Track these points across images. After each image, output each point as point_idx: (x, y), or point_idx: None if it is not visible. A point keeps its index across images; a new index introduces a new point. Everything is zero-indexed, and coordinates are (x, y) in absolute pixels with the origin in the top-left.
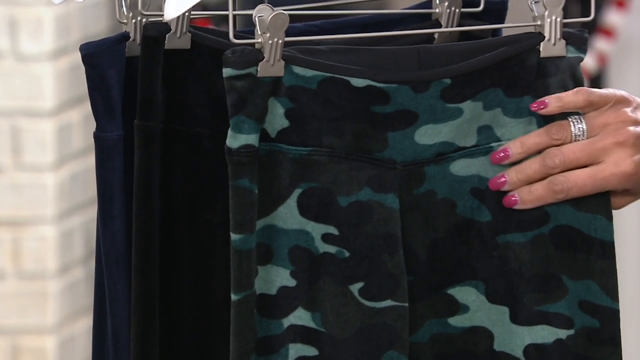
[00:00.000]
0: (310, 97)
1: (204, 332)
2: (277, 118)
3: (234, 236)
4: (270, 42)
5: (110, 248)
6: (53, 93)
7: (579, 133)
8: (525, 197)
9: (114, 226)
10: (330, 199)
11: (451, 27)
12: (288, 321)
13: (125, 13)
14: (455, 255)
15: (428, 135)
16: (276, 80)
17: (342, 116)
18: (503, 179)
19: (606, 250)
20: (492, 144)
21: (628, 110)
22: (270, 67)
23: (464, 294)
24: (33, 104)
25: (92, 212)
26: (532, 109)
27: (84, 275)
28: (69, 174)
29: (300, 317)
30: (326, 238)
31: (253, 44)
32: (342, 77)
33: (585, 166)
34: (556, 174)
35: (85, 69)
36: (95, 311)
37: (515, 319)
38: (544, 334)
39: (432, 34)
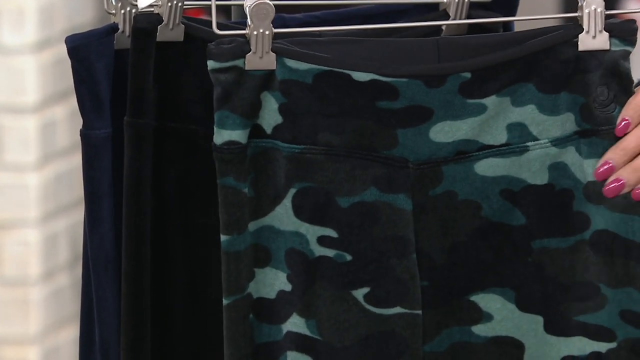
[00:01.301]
0: (304, 92)
1: (200, 341)
2: (271, 113)
3: (222, 237)
4: (255, 33)
5: (99, 252)
6: (36, 87)
7: None
8: None
9: (103, 229)
10: (327, 199)
11: (460, 17)
12: (286, 327)
13: (114, 3)
14: (480, 260)
15: (445, 132)
16: (269, 74)
17: (342, 112)
18: (620, 182)
19: None
20: (528, 144)
21: None
22: (259, 59)
23: (488, 301)
24: (15, 99)
25: (78, 215)
26: (617, 133)
27: (69, 281)
28: (53, 174)
29: (295, 323)
30: (323, 241)
31: (243, 36)
32: (341, 70)
33: None
34: None
35: (72, 62)
36: (82, 319)
37: (551, 329)
38: (580, 345)
39: (439, 26)
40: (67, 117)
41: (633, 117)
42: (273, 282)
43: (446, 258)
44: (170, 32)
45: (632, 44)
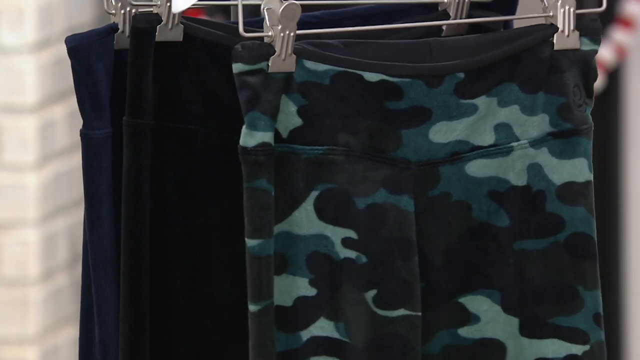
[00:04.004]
0: (323, 93)
1: (198, 341)
2: (289, 116)
3: (251, 242)
4: (281, 34)
5: (98, 252)
6: (35, 87)
7: None
8: None
9: (102, 229)
10: (347, 200)
11: (460, 18)
12: (308, 333)
13: (114, 3)
14: (469, 261)
15: (442, 133)
16: (288, 76)
17: (356, 112)
18: None
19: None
20: (512, 144)
21: None
22: (282, 62)
23: (476, 303)
24: (14, 99)
25: (78, 215)
26: None
27: (68, 281)
28: (52, 174)
29: (323, 327)
30: (346, 242)
31: (262, 38)
32: (354, 71)
33: None
34: None
35: (71, 62)
36: (82, 320)
37: (525, 331)
38: (554, 348)
39: (440, 26)
40: (66, 117)
41: None
42: (290, 289)
43: (441, 259)
44: (169, 32)
45: (599, 43)
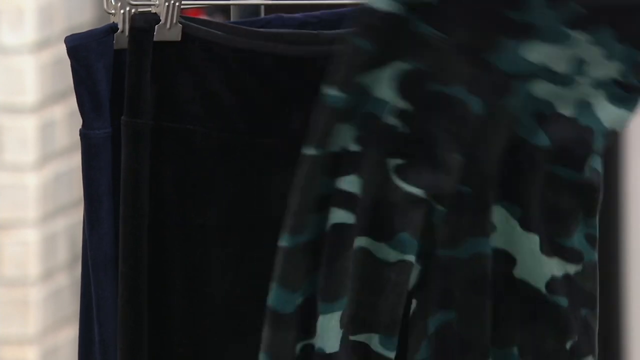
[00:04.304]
0: None
1: (199, 341)
2: None
3: (330, 91)
4: None
5: (98, 252)
6: (35, 87)
7: None
8: None
9: (102, 229)
10: (425, 80)
11: None
12: (339, 182)
13: (113, 3)
14: (501, 173)
15: (531, 51)
16: None
17: (477, 8)
18: None
19: None
20: (575, 77)
21: None
22: None
23: (498, 213)
24: (14, 99)
25: (78, 215)
26: None
27: (68, 281)
28: (52, 174)
29: (350, 182)
30: (399, 111)
31: None
32: None
33: None
34: None
35: (71, 62)
36: (82, 320)
37: (544, 249)
38: (558, 267)
39: None
40: (66, 117)
41: None
42: (344, 136)
43: (482, 166)
44: (167, 31)
45: None
